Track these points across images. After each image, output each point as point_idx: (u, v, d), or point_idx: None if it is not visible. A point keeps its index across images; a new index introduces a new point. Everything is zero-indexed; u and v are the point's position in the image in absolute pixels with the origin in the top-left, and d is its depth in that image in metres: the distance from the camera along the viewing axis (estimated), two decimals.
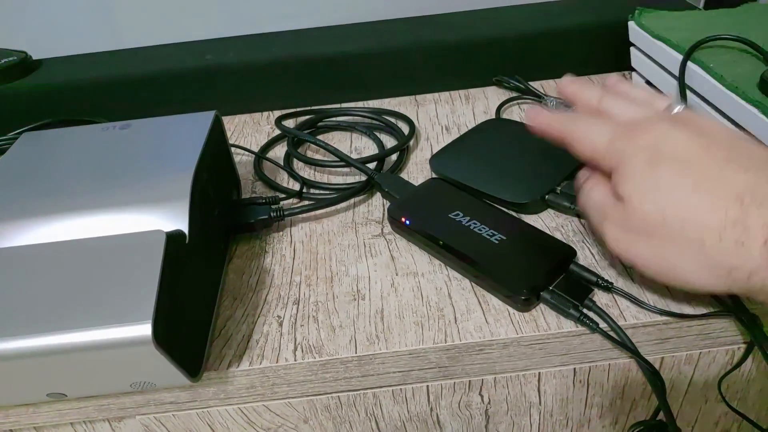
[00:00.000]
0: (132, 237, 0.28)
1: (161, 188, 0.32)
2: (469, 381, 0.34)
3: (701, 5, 0.55)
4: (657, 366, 0.35)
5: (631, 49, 0.52)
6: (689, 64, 0.44)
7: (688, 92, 0.44)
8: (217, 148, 0.38)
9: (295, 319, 0.34)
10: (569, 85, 0.35)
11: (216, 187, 0.37)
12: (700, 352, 0.35)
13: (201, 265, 0.33)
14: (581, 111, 0.34)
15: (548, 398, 0.36)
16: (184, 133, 0.36)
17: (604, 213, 0.31)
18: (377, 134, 0.49)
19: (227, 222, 0.38)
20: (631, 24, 0.51)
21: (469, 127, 0.48)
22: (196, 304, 0.31)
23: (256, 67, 0.52)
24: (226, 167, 0.40)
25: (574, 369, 0.34)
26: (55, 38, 0.58)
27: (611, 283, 0.33)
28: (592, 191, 0.32)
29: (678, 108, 0.31)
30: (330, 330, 0.33)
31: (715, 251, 0.26)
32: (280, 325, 0.33)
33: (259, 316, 0.34)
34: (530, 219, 0.39)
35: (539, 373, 0.34)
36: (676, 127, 0.28)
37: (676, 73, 0.45)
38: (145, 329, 0.24)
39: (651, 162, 0.28)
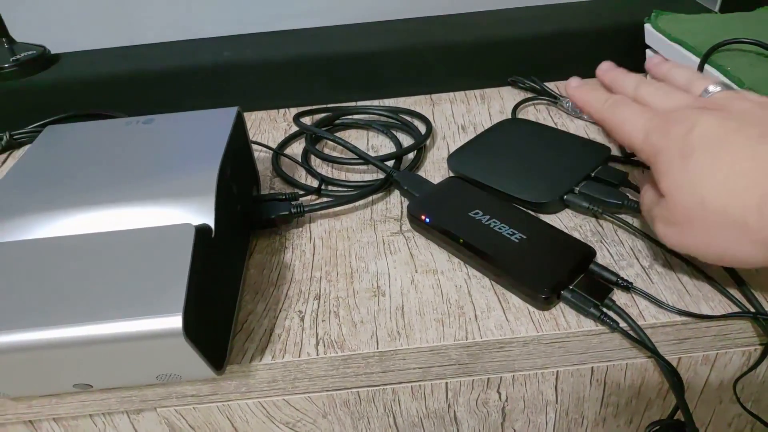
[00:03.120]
0: (161, 230, 0.28)
1: (187, 183, 0.32)
2: (488, 378, 0.34)
3: (717, 9, 0.55)
4: (674, 366, 0.35)
5: (647, 51, 0.52)
6: (707, 67, 0.44)
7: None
8: (239, 144, 0.38)
9: (317, 315, 0.34)
10: (607, 72, 0.36)
11: (238, 183, 0.37)
12: (717, 353, 0.35)
13: (225, 259, 0.33)
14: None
15: (565, 397, 0.36)
16: (208, 129, 0.37)
17: (652, 212, 0.31)
18: (394, 132, 0.50)
19: (248, 217, 0.38)
20: (648, 26, 0.51)
21: (485, 127, 0.48)
22: (221, 298, 0.32)
23: (273, 65, 0.53)
24: (247, 163, 0.41)
25: (592, 368, 0.35)
26: (73, 32, 0.59)
27: (631, 283, 0.34)
28: (645, 195, 0.33)
29: (714, 89, 0.31)
30: (351, 325, 0.33)
31: (759, 227, 0.26)
32: (302, 320, 0.34)
33: (280, 311, 0.34)
34: (548, 219, 0.40)
35: (557, 371, 0.35)
36: (706, 114, 0.29)
37: None
38: (175, 321, 0.25)
39: (683, 154, 0.28)
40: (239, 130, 0.39)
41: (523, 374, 0.34)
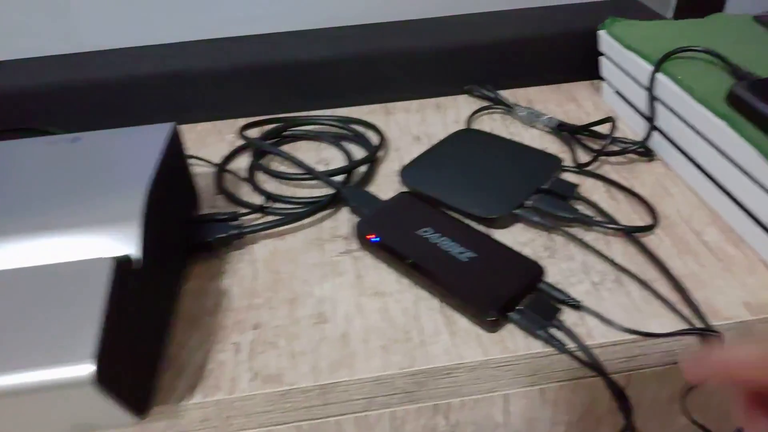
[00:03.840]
0: (75, 265, 0.26)
1: (110, 208, 0.30)
2: (435, 404, 0.33)
3: (670, 15, 0.55)
4: (624, 382, 0.35)
5: (601, 58, 0.52)
6: (658, 75, 0.44)
7: (656, 103, 0.44)
8: (174, 162, 0.36)
9: (254, 346, 0.32)
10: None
11: (172, 205, 0.35)
12: (666, 368, 0.34)
13: (153, 290, 0.31)
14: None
15: (515, 418, 0.35)
16: (138, 147, 0.35)
17: None
18: (346, 144, 0.48)
19: (184, 241, 0.36)
20: (602, 33, 0.51)
21: (440, 137, 0.47)
22: (146, 335, 0.30)
23: (220, 73, 0.50)
24: (183, 182, 0.39)
25: (542, 389, 0.34)
26: (8, 39, 0.55)
27: (579, 302, 0.33)
28: None
29: None
30: (290, 357, 0.31)
31: None
32: (238, 352, 0.32)
33: (215, 343, 0.32)
34: (500, 233, 0.39)
35: (507, 394, 0.34)
36: None
37: (646, 84, 0.45)
38: (86, 369, 0.23)
39: None
40: (174, 147, 0.37)
41: (471, 398, 0.33)
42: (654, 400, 0.37)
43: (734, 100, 0.38)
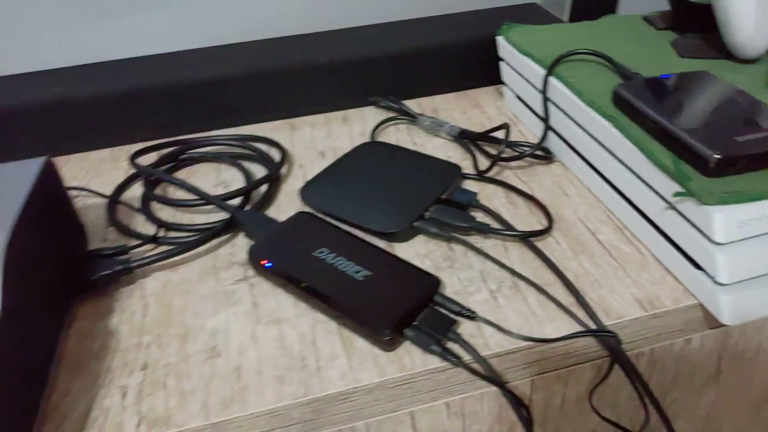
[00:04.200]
0: None
1: None
2: (339, 430, 0.32)
3: (566, 19, 0.57)
4: (528, 388, 0.35)
5: (501, 64, 0.52)
6: (551, 78, 0.45)
7: (550, 106, 0.45)
8: (48, 200, 0.34)
9: (142, 388, 0.30)
10: None
11: (48, 245, 0.33)
12: (569, 370, 0.35)
13: (22, 340, 0.29)
14: None
15: None
16: (2, 187, 0.32)
17: None
18: (247, 164, 0.47)
19: (64, 281, 0.34)
20: (500, 39, 0.51)
21: (345, 151, 0.47)
22: (15, 390, 0.28)
23: (111, 98, 0.48)
24: (63, 219, 0.36)
25: (446, 403, 0.34)
26: None
27: (474, 312, 0.33)
28: None
29: None
30: (180, 397, 0.30)
31: None
32: (124, 396, 0.30)
33: (100, 388, 0.31)
34: (401, 247, 0.38)
35: (411, 411, 0.33)
36: None
37: (540, 87, 0.46)
38: None
39: None
40: (48, 183, 0.34)
41: (375, 420, 0.33)
42: (564, 401, 0.37)
43: (618, 101, 0.39)
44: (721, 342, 0.38)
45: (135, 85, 0.48)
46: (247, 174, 0.45)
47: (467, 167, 0.45)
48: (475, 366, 0.31)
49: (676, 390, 0.40)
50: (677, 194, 0.32)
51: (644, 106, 0.37)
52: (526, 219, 0.40)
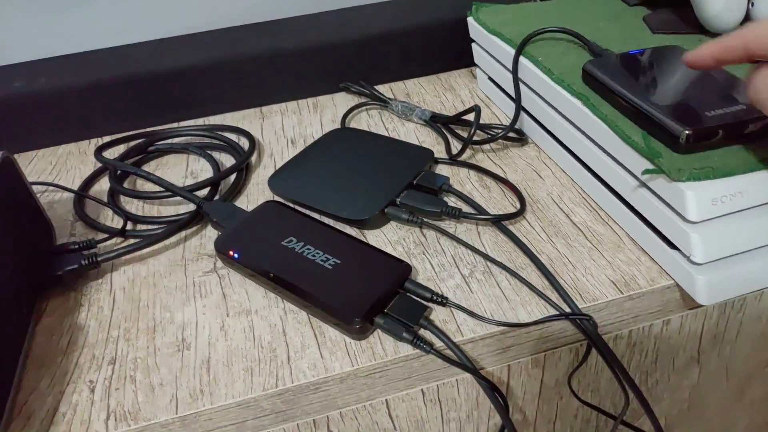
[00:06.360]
0: None
1: None
2: (314, 420, 0.32)
3: None
4: (505, 373, 0.35)
5: (473, 45, 0.52)
6: (521, 58, 0.44)
7: (521, 86, 0.45)
8: (9, 195, 0.33)
9: (110, 383, 0.30)
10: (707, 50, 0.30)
11: (9, 240, 0.32)
12: (545, 354, 0.35)
13: None
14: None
15: (402, 422, 0.35)
16: None
17: None
18: (216, 154, 0.46)
19: (30, 277, 0.33)
20: (470, 20, 0.51)
21: (316, 138, 0.46)
22: None
23: (74, 91, 0.47)
24: (26, 214, 0.35)
25: (422, 390, 0.33)
26: None
27: (446, 298, 0.32)
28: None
29: None
30: (149, 390, 0.30)
31: None
32: (92, 391, 0.30)
33: (68, 384, 0.30)
34: (373, 234, 0.38)
35: (386, 399, 0.33)
36: None
37: (510, 68, 0.45)
38: None
39: None
40: (9, 178, 0.33)
41: (350, 409, 0.33)
42: (543, 386, 0.37)
43: (587, 78, 0.39)
44: (700, 322, 0.38)
45: (98, 78, 0.47)
46: (215, 164, 0.44)
47: (440, 152, 0.45)
48: (448, 353, 0.31)
49: (658, 372, 0.40)
50: (647, 171, 0.32)
51: (613, 83, 0.37)
52: (499, 202, 0.40)
